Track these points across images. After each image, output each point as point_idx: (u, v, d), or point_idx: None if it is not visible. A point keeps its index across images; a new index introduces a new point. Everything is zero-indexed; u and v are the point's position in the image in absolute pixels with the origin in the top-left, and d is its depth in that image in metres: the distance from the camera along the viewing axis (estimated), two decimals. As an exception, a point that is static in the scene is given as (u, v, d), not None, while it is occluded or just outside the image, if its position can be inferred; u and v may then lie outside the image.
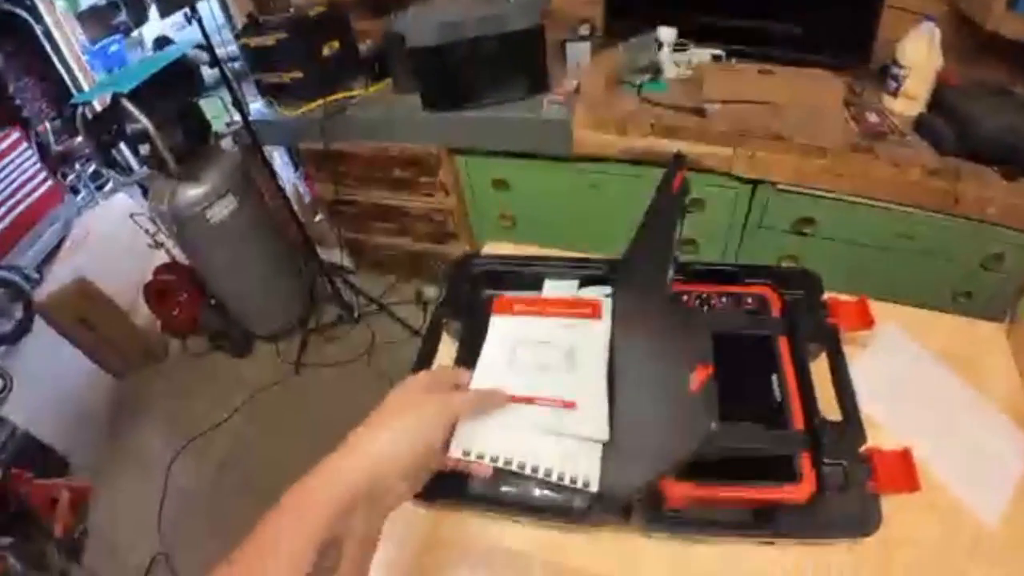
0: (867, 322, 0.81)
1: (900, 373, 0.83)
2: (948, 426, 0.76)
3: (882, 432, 0.73)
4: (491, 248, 1.09)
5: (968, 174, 1.46)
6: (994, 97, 1.53)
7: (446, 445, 0.58)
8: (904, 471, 0.64)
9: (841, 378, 0.71)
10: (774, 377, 0.70)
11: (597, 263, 0.90)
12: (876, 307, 0.84)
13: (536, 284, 0.88)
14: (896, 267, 1.68)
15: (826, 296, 0.83)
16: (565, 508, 0.67)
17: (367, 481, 0.49)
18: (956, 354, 0.84)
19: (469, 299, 0.89)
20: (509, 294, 0.86)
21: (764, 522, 0.64)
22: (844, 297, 0.84)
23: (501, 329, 0.79)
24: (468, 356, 0.80)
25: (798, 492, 0.62)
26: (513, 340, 0.76)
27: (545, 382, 0.68)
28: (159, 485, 2.23)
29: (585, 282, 0.88)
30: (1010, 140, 1.43)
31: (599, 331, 0.76)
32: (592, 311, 0.79)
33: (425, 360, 0.82)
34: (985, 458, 0.73)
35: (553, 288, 0.88)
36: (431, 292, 2.66)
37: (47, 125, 4.27)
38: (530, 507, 0.68)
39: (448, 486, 0.65)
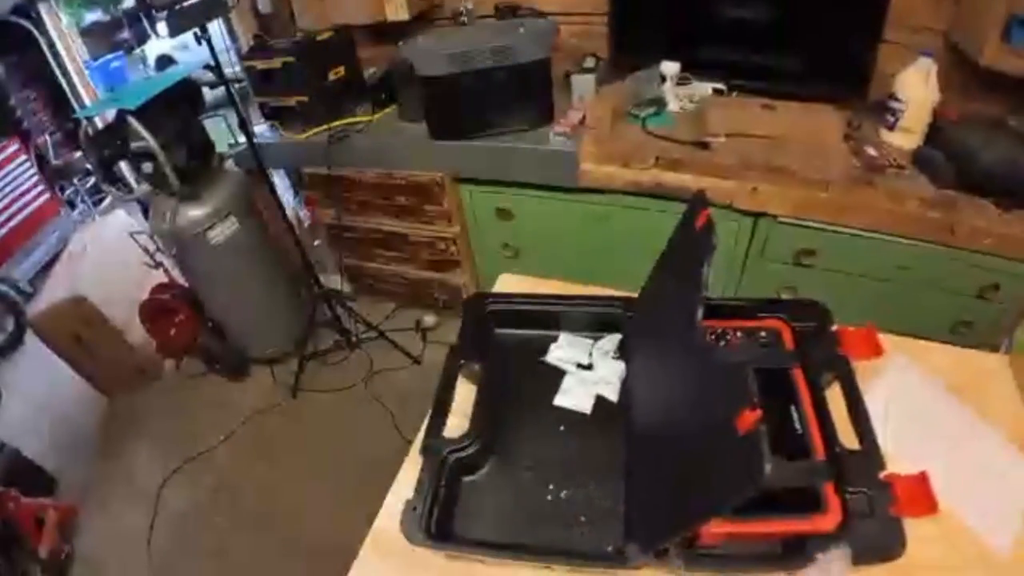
0: (876, 351, 0.82)
1: (908, 402, 0.84)
2: (957, 454, 0.77)
3: (893, 460, 0.73)
4: (503, 284, 1.08)
5: (964, 206, 1.49)
6: (989, 130, 1.56)
7: None
8: (923, 494, 0.66)
9: (856, 406, 0.72)
10: (793, 408, 0.71)
11: (611, 301, 0.90)
12: (881, 338, 0.85)
13: (550, 323, 0.87)
14: (896, 298, 1.69)
15: (835, 327, 0.84)
16: (599, 553, 0.67)
17: None
18: (960, 384, 0.86)
19: (485, 339, 0.87)
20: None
21: (795, 553, 0.64)
22: (851, 328, 0.85)
23: None
24: (488, 398, 0.78)
25: (826, 522, 0.62)
26: None
27: None
28: (149, 508, 2.18)
29: (598, 326, 0.88)
30: (1005, 172, 1.46)
31: None
32: None
33: (442, 407, 0.80)
34: (994, 486, 0.74)
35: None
36: (430, 320, 2.65)
37: (47, 138, 4.27)
38: (564, 553, 0.68)
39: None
